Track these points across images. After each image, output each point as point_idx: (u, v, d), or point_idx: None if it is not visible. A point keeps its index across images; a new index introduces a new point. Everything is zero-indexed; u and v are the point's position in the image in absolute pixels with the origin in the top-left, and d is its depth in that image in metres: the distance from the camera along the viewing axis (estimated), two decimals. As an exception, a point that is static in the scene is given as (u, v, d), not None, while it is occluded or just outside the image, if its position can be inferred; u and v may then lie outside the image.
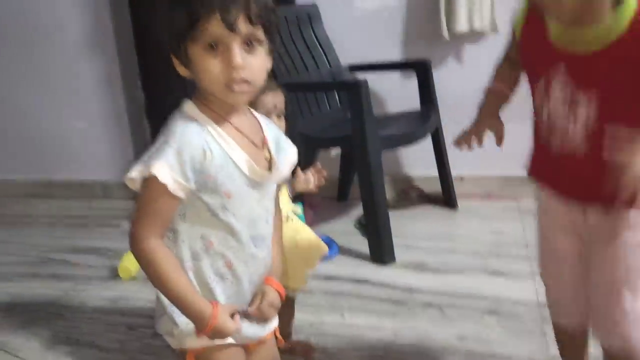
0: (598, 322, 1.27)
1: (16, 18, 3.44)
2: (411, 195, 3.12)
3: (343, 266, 2.42)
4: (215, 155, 1.03)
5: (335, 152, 3.14)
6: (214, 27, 0.96)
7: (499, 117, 1.35)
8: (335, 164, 3.11)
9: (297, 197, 1.77)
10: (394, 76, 3.03)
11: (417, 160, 3.10)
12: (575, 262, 1.30)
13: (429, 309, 2.06)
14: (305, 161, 2.45)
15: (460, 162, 2.88)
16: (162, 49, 1.04)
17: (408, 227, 2.74)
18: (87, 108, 3.49)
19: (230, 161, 1.05)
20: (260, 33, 1.00)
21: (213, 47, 0.98)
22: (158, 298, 1.14)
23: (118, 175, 3.37)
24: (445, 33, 2.84)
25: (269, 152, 1.13)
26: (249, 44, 0.99)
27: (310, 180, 1.69)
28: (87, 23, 3.35)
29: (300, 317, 1.99)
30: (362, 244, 2.53)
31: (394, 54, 3.01)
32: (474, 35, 2.88)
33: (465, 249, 2.49)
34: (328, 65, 2.89)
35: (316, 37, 2.91)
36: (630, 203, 1.11)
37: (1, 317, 2.24)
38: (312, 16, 2.94)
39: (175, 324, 1.13)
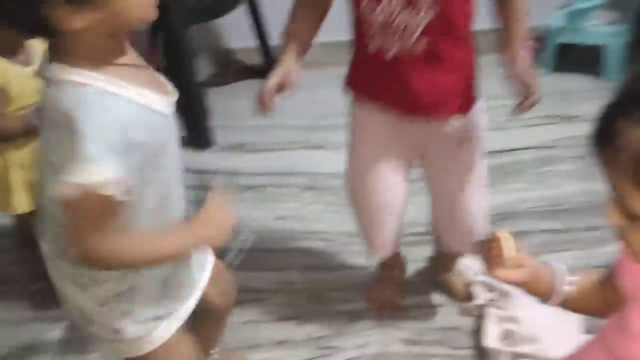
0: (451, 226, 1.37)
1: None
2: (231, 69, 2.94)
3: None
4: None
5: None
6: None
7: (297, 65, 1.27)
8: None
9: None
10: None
11: (236, 31, 2.89)
12: (399, 186, 1.29)
13: (251, 191, 2.00)
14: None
15: (279, 31, 2.73)
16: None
17: (229, 105, 2.59)
18: None
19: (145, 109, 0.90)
20: None
21: None
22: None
23: None
24: None
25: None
26: None
27: None
28: None
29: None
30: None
31: None
32: None
33: (289, 124, 2.42)
34: None
35: None
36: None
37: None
38: None
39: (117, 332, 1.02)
